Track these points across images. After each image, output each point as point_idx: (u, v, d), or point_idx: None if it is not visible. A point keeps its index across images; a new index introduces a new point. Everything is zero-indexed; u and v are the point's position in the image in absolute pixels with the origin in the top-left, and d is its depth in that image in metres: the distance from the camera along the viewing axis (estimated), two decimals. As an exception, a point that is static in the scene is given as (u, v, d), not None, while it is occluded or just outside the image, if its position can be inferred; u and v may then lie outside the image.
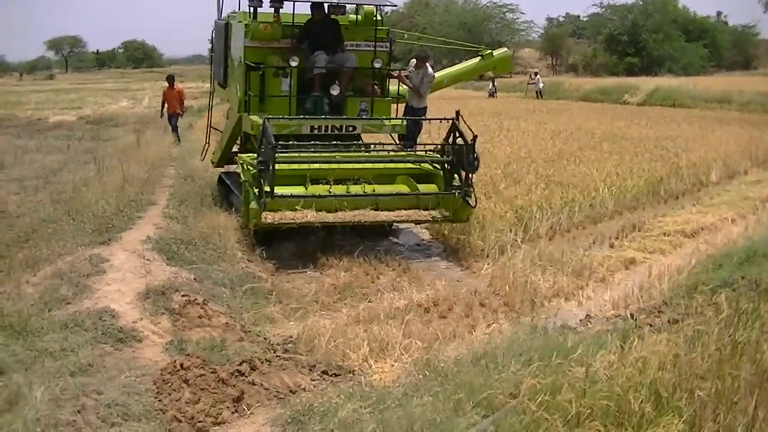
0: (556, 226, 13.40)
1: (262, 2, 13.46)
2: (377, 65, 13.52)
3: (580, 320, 8.99)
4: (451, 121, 12.57)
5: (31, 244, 11.59)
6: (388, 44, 14.12)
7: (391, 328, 8.23)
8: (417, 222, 13.09)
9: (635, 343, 6.39)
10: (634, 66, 72.10)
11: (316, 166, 12.19)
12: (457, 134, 12.39)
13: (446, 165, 12.54)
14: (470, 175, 12.16)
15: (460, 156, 12.26)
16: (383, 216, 12.09)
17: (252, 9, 13.57)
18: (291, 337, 8.23)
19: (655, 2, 79.13)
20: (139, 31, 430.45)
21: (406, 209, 12.18)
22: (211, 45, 16.73)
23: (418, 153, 13.36)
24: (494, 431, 5.49)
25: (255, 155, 11.74)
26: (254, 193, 11.43)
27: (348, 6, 13.98)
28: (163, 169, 18.52)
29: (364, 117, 13.49)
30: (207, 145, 17.04)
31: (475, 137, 12.25)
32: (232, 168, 15.47)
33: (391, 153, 13.53)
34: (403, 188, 12.49)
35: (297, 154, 12.10)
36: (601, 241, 12.99)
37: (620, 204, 15.17)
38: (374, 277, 10.79)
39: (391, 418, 5.67)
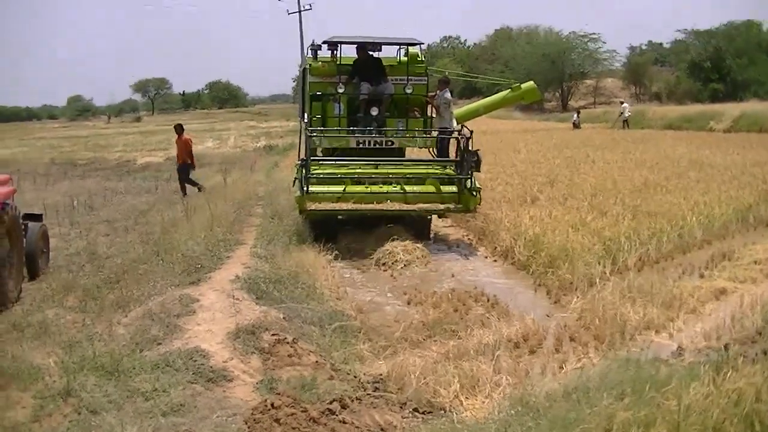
0: (644, 257, 13.25)
1: (321, 47, 17.58)
2: (408, 91, 17.28)
3: (672, 352, 8.86)
4: (462, 134, 16.14)
5: (122, 285, 11.74)
6: (425, 77, 17.89)
7: (481, 364, 8.19)
8: (435, 212, 16.60)
9: (729, 374, 6.29)
10: (718, 92, 71.04)
11: (357, 169, 15.92)
12: (464, 143, 15.84)
13: (456, 168, 16.07)
14: (473, 173, 15.41)
15: (465, 156, 15.71)
16: (407, 207, 15.51)
17: (313, 52, 17.74)
18: (381, 375, 8.19)
19: (738, 27, 78.04)
20: (223, 71, 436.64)
21: (426, 203, 15.71)
22: (298, 87, 20.71)
23: (441, 161, 17.14)
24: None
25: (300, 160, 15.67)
26: (299, 187, 15.09)
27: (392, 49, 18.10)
28: (251, 209, 18.81)
29: (399, 133, 17.11)
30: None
31: (471, 133, 15.87)
32: None
33: (420, 163, 17.43)
34: (429, 188, 15.87)
35: (333, 163, 16.19)
36: (690, 272, 12.74)
37: (709, 233, 14.96)
38: (463, 313, 10.77)
39: (484, 454, 5.67)
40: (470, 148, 15.67)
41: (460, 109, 22.04)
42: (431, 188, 15.85)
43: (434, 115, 18.13)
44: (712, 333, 9.36)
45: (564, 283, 11.87)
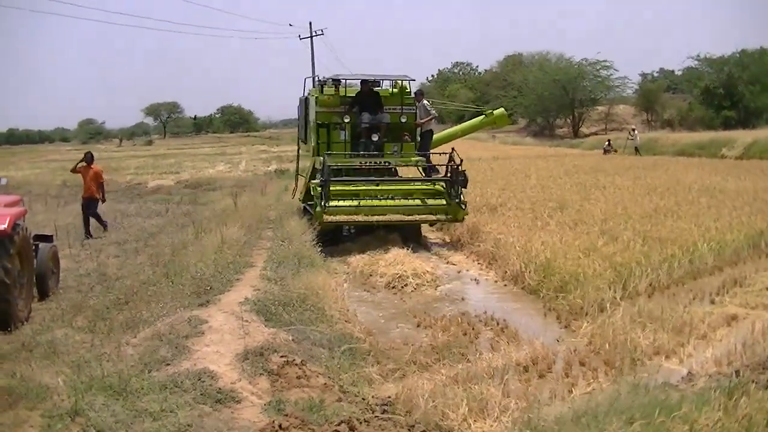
0: (655, 283, 13.19)
1: (326, 82, 21.25)
2: (403, 120, 20.44)
3: (682, 378, 8.81)
4: (448, 155, 19.09)
5: (131, 306, 11.77)
6: (414, 107, 20.92)
7: (490, 387, 8.17)
8: (428, 222, 20.10)
9: (741, 400, 6.27)
10: (731, 119, 70.85)
11: (362, 187, 18.86)
12: (452, 163, 18.83)
13: (446, 184, 19.03)
14: (460, 188, 18.55)
15: (455, 176, 18.71)
16: (407, 218, 18.64)
17: (320, 86, 21.33)
18: (389, 397, 8.17)
19: (751, 54, 77.79)
20: (235, 95, 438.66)
21: (421, 214, 18.94)
22: (298, 115, 23.74)
23: (433, 180, 19.82)
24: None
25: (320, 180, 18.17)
26: (319, 203, 17.79)
27: (386, 82, 21.19)
28: (261, 232, 18.84)
29: (395, 155, 20.00)
30: (295, 186, 24.46)
31: (461, 162, 18.64)
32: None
33: (414, 181, 20.44)
34: (417, 202, 18.96)
35: (344, 181, 18.74)
36: (701, 297, 12.69)
37: (720, 259, 14.90)
38: (472, 337, 10.77)
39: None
40: (459, 170, 18.63)
41: (441, 133, 24.12)
42: (426, 201, 19.02)
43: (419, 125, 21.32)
44: (723, 359, 9.32)
45: (574, 308, 11.83)
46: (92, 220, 21.86)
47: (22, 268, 11.77)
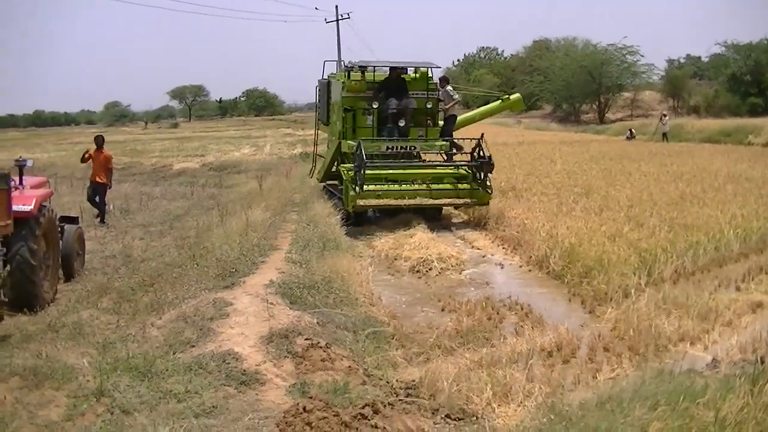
0: (680, 270, 13.12)
1: (353, 67, 21.76)
2: (429, 106, 21.14)
3: (707, 364, 8.77)
4: (476, 141, 19.61)
5: (156, 287, 11.80)
6: (436, 93, 21.48)
7: (514, 372, 8.15)
8: (455, 206, 20.18)
9: (765, 387, 6.23)
10: (757, 106, 70.05)
11: (395, 171, 19.22)
12: (480, 149, 19.43)
13: (473, 169, 19.61)
14: (488, 174, 19.19)
15: (482, 162, 19.27)
16: (436, 202, 19.19)
17: (347, 71, 21.78)
18: (413, 381, 8.16)
19: (780, 41, 77.01)
20: (260, 79, 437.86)
21: (448, 198, 19.44)
22: (317, 96, 24.77)
23: (458, 164, 20.39)
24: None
25: (351, 165, 18.88)
26: (352, 187, 18.20)
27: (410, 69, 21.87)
28: (286, 215, 18.90)
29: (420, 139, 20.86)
30: (314, 166, 25.72)
31: (486, 148, 19.35)
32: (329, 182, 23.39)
33: (442, 165, 20.76)
34: (447, 186, 19.54)
35: (376, 165, 18.86)
36: (726, 284, 12.62)
37: (746, 246, 14.80)
38: (496, 321, 10.77)
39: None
40: (485, 155, 19.31)
41: (460, 117, 24.60)
42: (453, 185, 19.62)
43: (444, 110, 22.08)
44: (747, 346, 9.27)
45: (599, 294, 11.78)
46: (95, 207, 21.20)
47: (47, 250, 11.86)
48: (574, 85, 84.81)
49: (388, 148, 19.97)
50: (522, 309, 11.42)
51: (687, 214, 16.39)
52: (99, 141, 21.59)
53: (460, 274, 14.25)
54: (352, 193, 18.22)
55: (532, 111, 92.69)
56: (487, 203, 19.31)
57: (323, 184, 23.91)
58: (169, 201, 25.60)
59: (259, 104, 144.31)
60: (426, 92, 21.29)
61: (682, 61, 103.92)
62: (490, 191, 19.19)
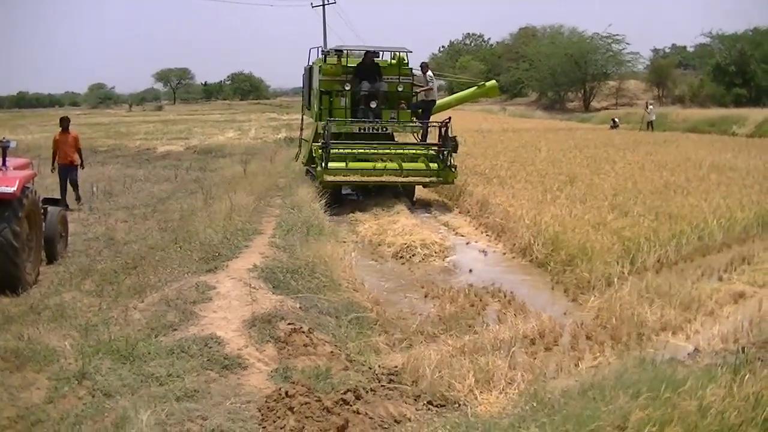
0: (663, 259, 13.19)
1: (329, 52, 23.33)
2: (400, 89, 22.14)
3: (689, 354, 8.82)
4: (443, 122, 20.54)
5: (139, 270, 11.79)
6: (411, 77, 22.93)
7: (496, 359, 8.15)
8: (422, 183, 21.32)
9: (747, 377, 6.25)
10: (742, 97, 70.16)
11: (360, 150, 20.33)
12: (446, 130, 20.38)
13: (440, 149, 20.65)
14: (452, 154, 20.29)
15: (445, 142, 20.39)
16: (403, 179, 20.27)
17: (324, 56, 23.35)
18: (396, 367, 8.16)
19: (764, 32, 77.08)
20: (245, 63, 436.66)
21: (415, 177, 20.57)
22: (303, 83, 25.99)
23: (427, 144, 21.64)
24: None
25: (320, 144, 19.87)
26: (320, 164, 19.66)
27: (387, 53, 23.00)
28: (270, 199, 18.82)
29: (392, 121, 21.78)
30: (299, 151, 27.36)
31: (449, 122, 20.47)
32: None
33: (409, 146, 21.96)
34: (418, 165, 20.61)
35: (344, 144, 20.34)
36: (709, 274, 12.70)
37: (729, 236, 14.89)
38: (479, 309, 10.79)
39: (497, 448, 5.64)
40: (450, 135, 20.40)
41: (437, 101, 25.33)
42: (420, 165, 20.70)
43: (420, 94, 23.44)
44: (729, 336, 9.33)
45: (582, 282, 11.83)
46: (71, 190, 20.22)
47: (30, 231, 11.79)
48: (560, 73, 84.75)
49: (360, 129, 21.26)
50: (505, 296, 11.44)
51: (671, 204, 16.43)
52: (65, 123, 20.52)
53: (444, 260, 14.26)
54: (319, 169, 19.80)
55: (517, 98, 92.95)
56: (452, 182, 20.81)
57: (307, 167, 24.35)
58: (153, 184, 25.43)
59: (245, 88, 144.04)
60: (398, 76, 22.37)
61: (667, 50, 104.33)
62: (454, 170, 20.41)
